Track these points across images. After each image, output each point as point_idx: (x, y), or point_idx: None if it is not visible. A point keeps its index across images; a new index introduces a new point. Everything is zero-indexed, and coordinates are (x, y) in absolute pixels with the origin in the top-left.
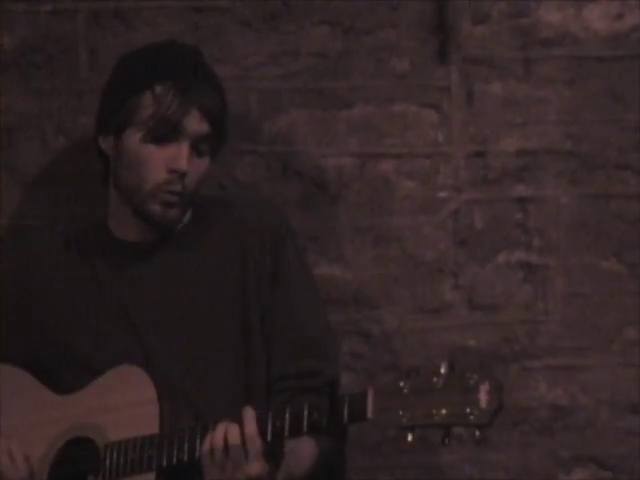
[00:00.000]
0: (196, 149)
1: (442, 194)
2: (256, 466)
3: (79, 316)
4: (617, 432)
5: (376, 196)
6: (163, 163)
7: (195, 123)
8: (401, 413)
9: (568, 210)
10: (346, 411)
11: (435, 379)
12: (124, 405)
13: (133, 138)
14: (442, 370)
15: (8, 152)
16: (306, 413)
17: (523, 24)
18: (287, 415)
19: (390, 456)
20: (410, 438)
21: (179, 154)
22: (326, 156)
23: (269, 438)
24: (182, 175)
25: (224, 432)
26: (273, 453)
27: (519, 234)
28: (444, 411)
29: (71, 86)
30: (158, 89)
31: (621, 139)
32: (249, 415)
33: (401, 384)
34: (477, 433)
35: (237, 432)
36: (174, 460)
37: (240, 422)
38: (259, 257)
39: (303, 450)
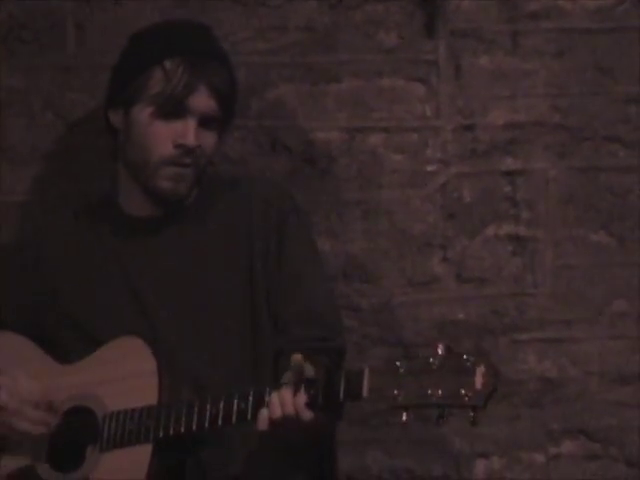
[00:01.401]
0: (204, 125)
1: (430, 167)
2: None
3: (87, 288)
4: (606, 404)
5: (364, 170)
6: (170, 138)
7: (202, 100)
8: (396, 392)
9: (556, 183)
10: (342, 389)
11: (432, 360)
12: (123, 376)
13: (142, 113)
14: (439, 351)
15: None
16: (303, 390)
17: None
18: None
19: (380, 430)
20: (405, 417)
21: (186, 130)
22: (314, 130)
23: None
24: (189, 150)
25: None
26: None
27: (508, 207)
28: (439, 392)
29: (58, 62)
30: (167, 65)
31: (609, 111)
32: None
33: (398, 364)
34: (471, 414)
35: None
36: (171, 431)
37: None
38: (265, 233)
39: None
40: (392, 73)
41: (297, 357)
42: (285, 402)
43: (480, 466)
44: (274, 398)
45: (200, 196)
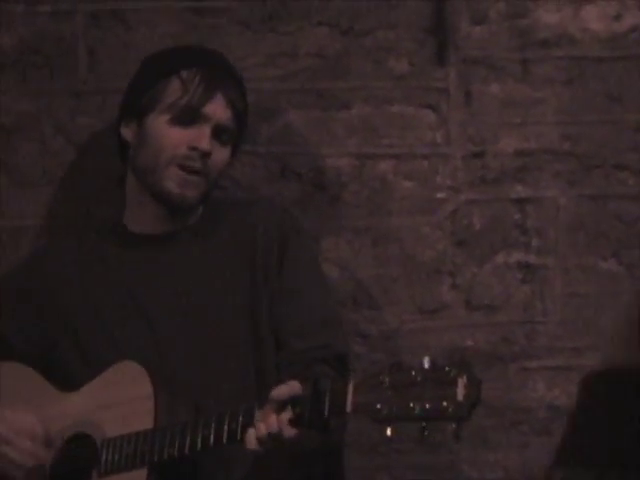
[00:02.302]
0: (218, 138)
1: (440, 195)
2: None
3: (92, 312)
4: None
5: (374, 196)
6: (185, 142)
7: (219, 108)
8: (379, 407)
9: (566, 211)
10: (327, 404)
11: (414, 373)
12: (121, 401)
13: (157, 120)
14: (425, 365)
15: (7, 153)
16: (289, 407)
17: (521, 25)
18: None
19: (388, 456)
20: (389, 432)
21: (201, 135)
22: (324, 157)
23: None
24: (203, 155)
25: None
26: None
27: (517, 234)
28: (422, 405)
29: (70, 87)
30: (184, 75)
31: (619, 140)
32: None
33: (381, 378)
34: (453, 426)
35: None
36: (165, 455)
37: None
38: (267, 252)
39: None
40: (402, 100)
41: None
42: (269, 421)
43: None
44: (257, 417)
45: (204, 217)
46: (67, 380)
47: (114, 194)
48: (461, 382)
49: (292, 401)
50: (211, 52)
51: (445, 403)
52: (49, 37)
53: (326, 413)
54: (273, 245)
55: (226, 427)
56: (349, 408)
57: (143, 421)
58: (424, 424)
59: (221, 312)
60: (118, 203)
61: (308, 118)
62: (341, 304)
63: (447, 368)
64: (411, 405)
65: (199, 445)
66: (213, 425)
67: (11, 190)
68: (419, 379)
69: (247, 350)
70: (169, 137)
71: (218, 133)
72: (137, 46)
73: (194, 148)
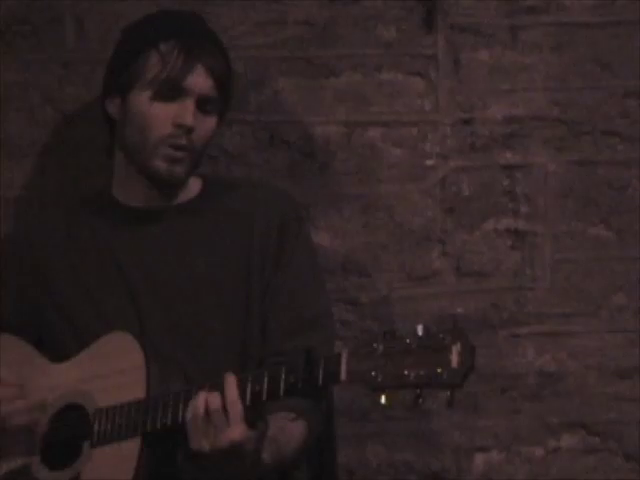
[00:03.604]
0: (202, 109)
1: (429, 162)
2: (238, 430)
3: (79, 283)
4: (605, 398)
5: (364, 164)
6: (169, 119)
7: (200, 80)
8: (373, 374)
9: (555, 177)
10: (321, 373)
11: (409, 340)
12: (113, 371)
13: (140, 97)
14: (419, 332)
15: None
16: (283, 376)
17: None
18: (265, 378)
19: (380, 423)
20: (384, 400)
21: (184, 110)
22: (313, 124)
23: (248, 402)
24: (187, 130)
25: (205, 399)
26: (254, 419)
27: (507, 201)
28: (416, 372)
29: (57, 56)
30: (163, 48)
31: (608, 105)
32: (230, 380)
33: (374, 345)
34: (448, 394)
35: (218, 398)
36: (158, 425)
37: (221, 388)
38: (264, 238)
39: (293, 430)
40: (391, 67)
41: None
42: (211, 398)
43: (479, 460)
44: (200, 395)
45: (201, 194)
46: (55, 350)
47: (102, 164)
48: (455, 349)
49: (285, 370)
50: (189, 19)
51: (439, 370)
52: (36, 7)
53: (320, 381)
54: (272, 233)
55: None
56: (344, 376)
57: (135, 391)
58: (418, 391)
59: (208, 295)
60: (106, 173)
61: (297, 86)
62: (331, 272)
63: (441, 335)
64: (405, 372)
65: None
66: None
67: (0, 160)
68: (413, 346)
69: (233, 336)
70: (153, 115)
71: (202, 104)
72: (125, 15)
73: (179, 125)
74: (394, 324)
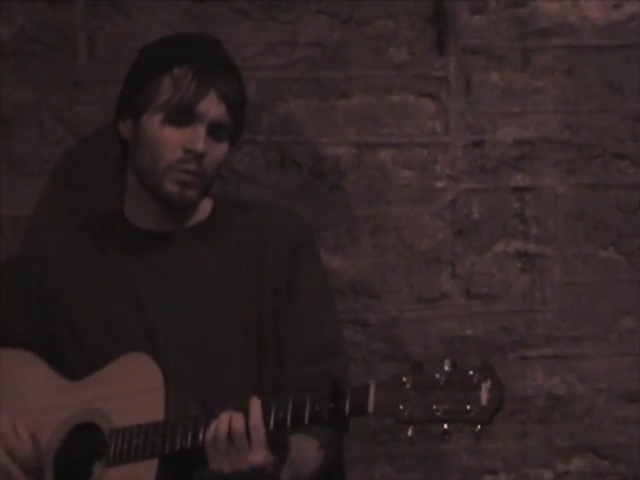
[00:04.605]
0: (214, 135)
1: (440, 184)
2: (259, 455)
3: (90, 303)
4: (614, 421)
5: (374, 186)
6: (180, 144)
7: (213, 106)
8: (402, 408)
9: (565, 199)
10: (348, 404)
11: (437, 375)
12: (130, 392)
13: (151, 120)
14: (445, 367)
15: (6, 142)
16: (308, 404)
17: (521, 14)
18: (290, 405)
19: (388, 445)
20: (410, 433)
21: (195, 135)
22: (324, 146)
23: (271, 428)
24: (198, 156)
25: (229, 420)
26: (277, 445)
27: (517, 223)
28: (445, 407)
29: (69, 76)
30: (177, 72)
31: (619, 128)
32: (255, 405)
33: (403, 379)
34: (477, 428)
35: (242, 421)
36: (177, 447)
37: (245, 411)
38: (277, 262)
39: (309, 451)
40: (402, 89)
41: None
42: (235, 420)
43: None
44: (224, 415)
45: (212, 216)
46: (62, 368)
47: (113, 184)
48: (485, 386)
49: (311, 398)
50: (206, 42)
51: (469, 407)
52: (48, 26)
53: (347, 412)
54: (284, 257)
55: None
56: (371, 408)
57: (153, 412)
58: (446, 426)
59: (221, 318)
60: (116, 193)
61: (308, 107)
62: (340, 293)
63: (471, 372)
64: (434, 407)
65: None
66: None
67: (10, 179)
68: (442, 382)
69: (248, 360)
70: (164, 139)
71: (214, 130)
72: (136, 35)
73: (189, 151)
74: (403, 346)
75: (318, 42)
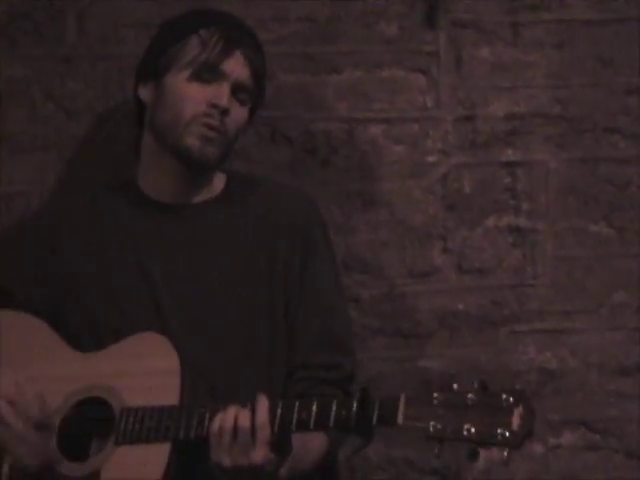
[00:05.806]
0: (237, 96)
1: (431, 158)
2: (261, 454)
3: (100, 274)
4: (606, 395)
5: (365, 161)
6: (204, 99)
7: (238, 66)
8: (432, 424)
9: (557, 174)
10: (376, 414)
11: (469, 395)
12: (144, 372)
13: (176, 78)
14: (475, 387)
15: None
16: (334, 408)
17: None
18: (314, 408)
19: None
20: (437, 450)
21: (220, 92)
22: (315, 121)
23: (276, 428)
24: (222, 112)
25: (235, 414)
26: (280, 445)
27: (508, 198)
28: (475, 429)
29: (59, 52)
30: (203, 33)
31: (609, 103)
32: (262, 402)
33: (435, 395)
34: (505, 453)
35: (248, 417)
36: (192, 434)
37: (252, 408)
38: (289, 245)
39: (312, 441)
40: (393, 64)
41: None
42: (241, 416)
43: (480, 457)
44: (230, 409)
45: (225, 193)
46: (67, 337)
47: (104, 159)
48: (517, 412)
49: (337, 403)
50: (229, 14)
51: (500, 430)
52: (38, 3)
53: (375, 421)
54: (297, 241)
55: None
56: (401, 420)
57: (167, 396)
58: (476, 447)
59: (232, 298)
60: (109, 169)
61: (298, 82)
62: None
63: (504, 395)
64: (465, 427)
65: None
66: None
67: (1, 156)
68: (474, 402)
69: (259, 332)
70: (189, 94)
71: (237, 91)
72: (126, 12)
73: (214, 105)
74: (395, 321)
75: (309, 17)
